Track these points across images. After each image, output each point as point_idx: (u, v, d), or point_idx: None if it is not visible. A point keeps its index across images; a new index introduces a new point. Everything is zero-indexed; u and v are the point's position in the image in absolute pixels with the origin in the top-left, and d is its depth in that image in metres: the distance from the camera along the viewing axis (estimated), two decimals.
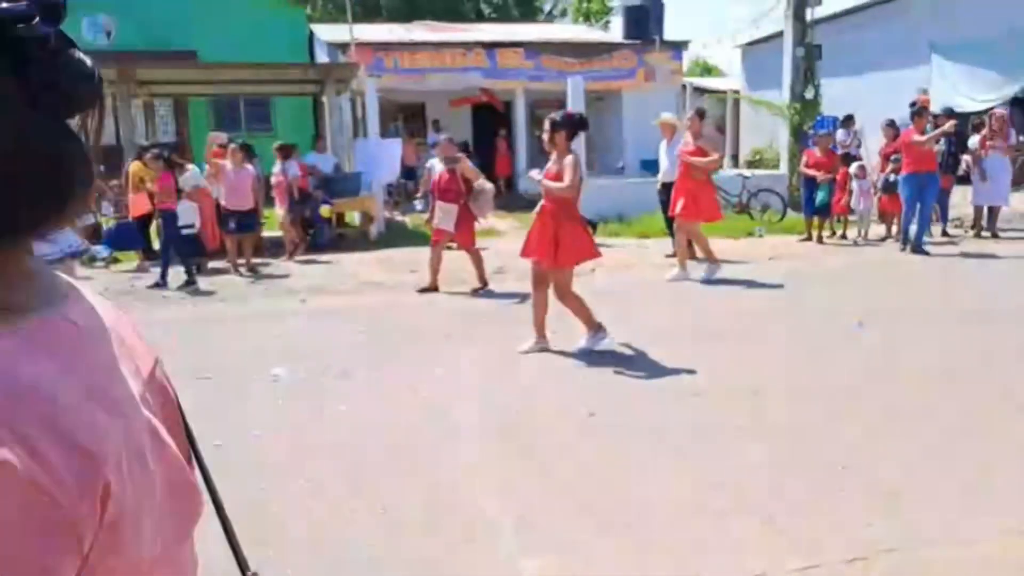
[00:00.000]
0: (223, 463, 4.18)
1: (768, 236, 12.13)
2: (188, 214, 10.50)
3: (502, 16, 31.01)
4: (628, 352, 6.13)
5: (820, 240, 11.27)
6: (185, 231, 10.58)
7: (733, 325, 6.96)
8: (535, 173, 6.18)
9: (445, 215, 8.41)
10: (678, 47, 18.38)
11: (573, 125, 5.86)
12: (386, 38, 17.55)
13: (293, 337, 7.04)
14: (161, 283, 9.34)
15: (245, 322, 7.63)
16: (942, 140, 11.07)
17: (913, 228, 10.28)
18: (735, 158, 19.11)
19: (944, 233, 11.52)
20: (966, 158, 11.47)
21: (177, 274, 9.38)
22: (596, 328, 6.01)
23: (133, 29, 19.26)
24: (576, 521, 3.52)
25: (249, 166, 10.46)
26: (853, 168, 11.10)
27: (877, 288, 8.57)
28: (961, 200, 12.06)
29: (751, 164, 19.77)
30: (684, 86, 19.92)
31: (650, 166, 16.99)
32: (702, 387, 5.19)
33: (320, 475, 4.05)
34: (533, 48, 17.21)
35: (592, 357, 5.98)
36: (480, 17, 30.11)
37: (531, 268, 6.19)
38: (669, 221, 10.21)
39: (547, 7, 36.59)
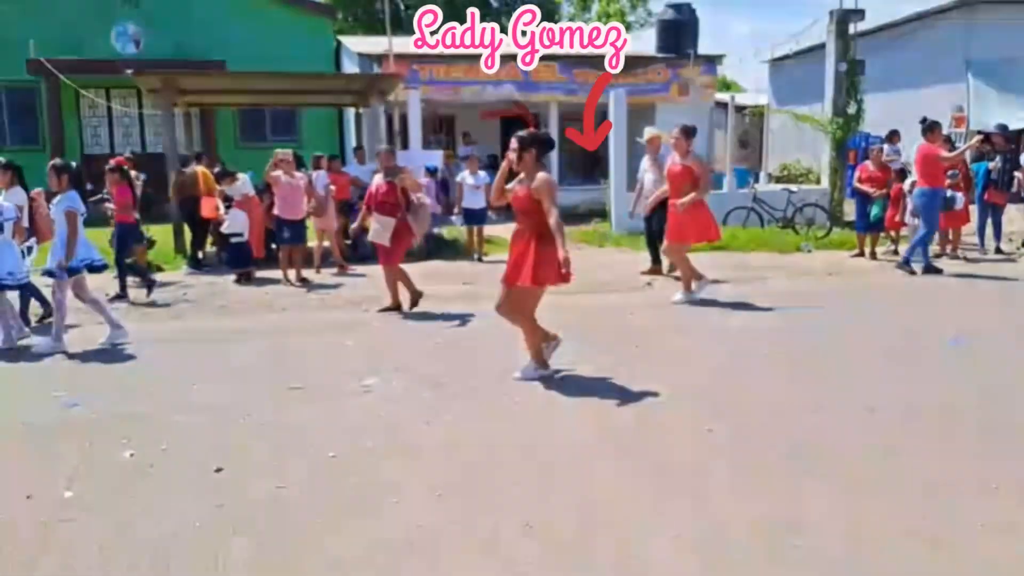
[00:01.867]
0: (342, 473, 4.10)
1: (816, 251, 12.04)
2: (237, 223, 10.42)
3: None
4: (732, 368, 6.02)
5: (874, 256, 11.15)
6: (234, 239, 10.52)
7: (824, 341, 6.84)
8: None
9: (381, 228, 8.01)
10: (712, 61, 18.36)
11: (542, 144, 5.53)
12: (420, 50, 17.50)
13: (368, 347, 6.92)
14: (122, 295, 9.16)
15: (316, 333, 7.50)
16: (997, 158, 11.00)
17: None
18: (766, 174, 18.95)
19: (998, 250, 11.43)
20: (1018, 175, 11.38)
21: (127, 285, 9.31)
22: (542, 364, 5.74)
23: (161, 39, 19.28)
24: (750, 540, 3.39)
25: (300, 176, 10.38)
26: (907, 183, 11.00)
27: (950, 304, 8.47)
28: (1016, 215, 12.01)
29: (779, 179, 19.71)
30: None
31: None
32: (821, 403, 5.07)
33: (448, 488, 3.92)
34: (567, 61, 17.17)
35: (700, 367, 5.88)
36: (502, 31, 30.10)
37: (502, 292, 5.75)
38: (650, 237, 10.13)
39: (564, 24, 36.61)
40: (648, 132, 10.14)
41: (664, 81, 17.71)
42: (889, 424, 4.74)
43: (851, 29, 13.96)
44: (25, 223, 7.84)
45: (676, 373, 5.89)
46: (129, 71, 11.88)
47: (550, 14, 35.46)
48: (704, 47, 18.42)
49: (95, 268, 7.28)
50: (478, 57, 16.73)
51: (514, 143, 5.50)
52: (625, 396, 5.32)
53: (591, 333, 7.18)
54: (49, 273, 6.97)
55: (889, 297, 8.92)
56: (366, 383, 5.69)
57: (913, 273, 9.73)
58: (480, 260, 11.78)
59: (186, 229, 12.12)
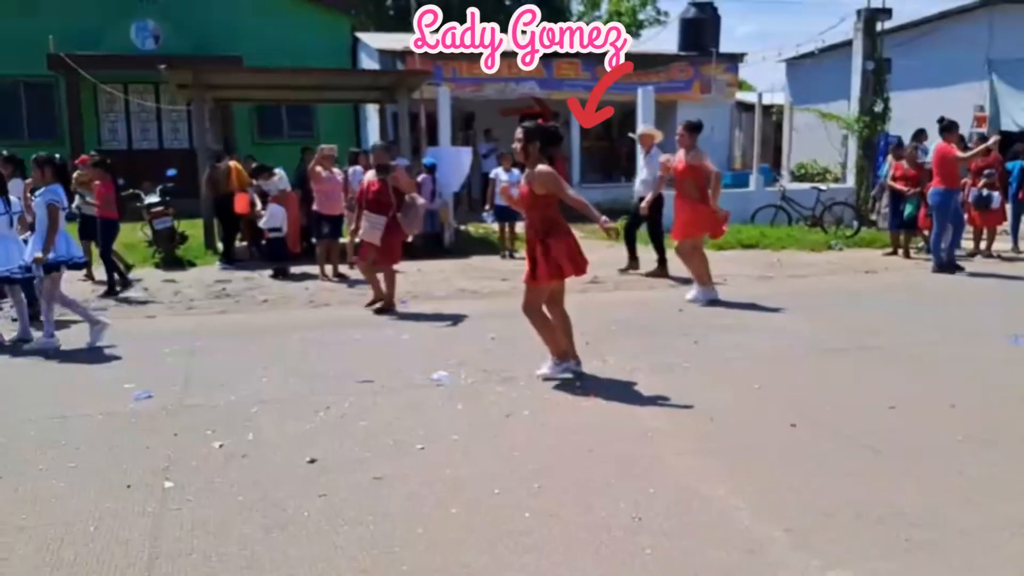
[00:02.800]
0: (434, 465, 4.12)
1: (847, 250, 12.08)
2: (276, 218, 10.44)
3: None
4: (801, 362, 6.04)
5: (907, 255, 11.18)
6: (272, 234, 10.53)
7: (880, 338, 6.86)
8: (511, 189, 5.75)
9: (371, 227, 7.92)
10: (734, 60, 18.38)
11: (547, 136, 5.41)
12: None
13: (425, 341, 6.94)
14: (114, 290, 9.19)
15: (370, 326, 7.52)
16: None
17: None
18: (790, 173, 18.95)
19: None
20: None
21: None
22: (563, 356, 5.61)
23: (180, 35, 19.28)
24: (853, 534, 3.41)
25: (338, 172, 10.39)
26: None
27: (995, 303, 8.50)
28: None
29: (796, 178, 19.73)
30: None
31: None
32: (896, 398, 5.10)
33: (545, 481, 3.93)
34: (590, 59, 17.18)
35: (763, 362, 5.90)
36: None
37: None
38: (632, 233, 10.07)
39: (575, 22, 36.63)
40: (641, 129, 9.97)
41: (686, 79, 17.73)
42: (971, 418, 4.76)
43: (878, 27, 13.95)
44: (28, 217, 7.65)
45: (740, 367, 5.93)
46: (162, 66, 11.87)
47: (560, 12, 35.48)
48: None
49: (75, 265, 7.11)
50: (501, 55, 16.72)
51: (519, 133, 5.41)
52: (694, 390, 5.35)
53: (646, 329, 7.22)
54: (26, 268, 6.78)
55: (931, 295, 8.94)
56: (435, 377, 5.71)
57: (956, 271, 9.78)
58: (511, 256, 11.76)
59: (217, 224, 12.16)
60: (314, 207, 10.24)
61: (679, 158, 8.36)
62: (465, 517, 3.59)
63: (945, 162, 9.76)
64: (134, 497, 3.83)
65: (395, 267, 8.31)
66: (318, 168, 9.94)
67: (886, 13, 13.89)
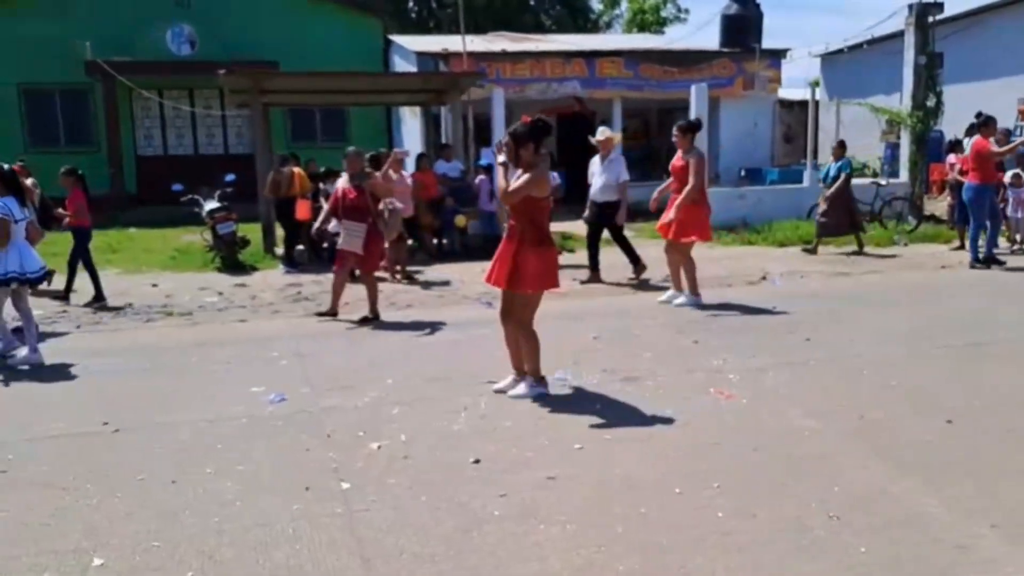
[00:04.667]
0: (600, 464, 4.11)
1: (910, 245, 12.05)
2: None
3: (562, 27, 31.07)
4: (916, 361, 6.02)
5: None
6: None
7: (994, 335, 6.83)
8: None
9: (351, 235, 7.72)
10: (776, 56, 18.35)
11: (538, 134, 5.03)
12: (486, 47, 17.51)
13: None
14: (102, 296, 9.01)
15: (463, 326, 7.52)
16: None
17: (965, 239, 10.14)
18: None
19: None
20: None
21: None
22: (539, 378, 5.32)
23: (215, 40, 19.34)
24: None
25: (407, 174, 10.41)
26: (1008, 176, 10.97)
27: None
28: None
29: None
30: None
31: (754, 175, 16.95)
32: None
33: (723, 481, 3.92)
34: (633, 57, 17.18)
35: (889, 357, 5.89)
36: (540, 28, 30.17)
37: (501, 297, 5.42)
38: (595, 239, 9.73)
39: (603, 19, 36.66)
40: (601, 133, 9.73)
41: (729, 75, 17.71)
42: None
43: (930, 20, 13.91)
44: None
45: (862, 363, 5.91)
46: (221, 71, 11.90)
47: (581, 12, 35.56)
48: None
49: (27, 280, 6.59)
50: (544, 54, 16.77)
51: (505, 139, 5.15)
52: (826, 387, 5.34)
53: (750, 326, 7.22)
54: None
55: (1015, 292, 8.91)
56: (558, 376, 5.70)
57: (996, 266, 9.82)
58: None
59: (278, 228, 12.19)
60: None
61: (678, 157, 8.16)
62: (657, 516, 3.59)
63: (981, 157, 9.80)
64: (316, 498, 3.84)
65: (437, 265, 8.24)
66: (390, 171, 9.94)
67: (938, 7, 13.83)
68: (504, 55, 16.81)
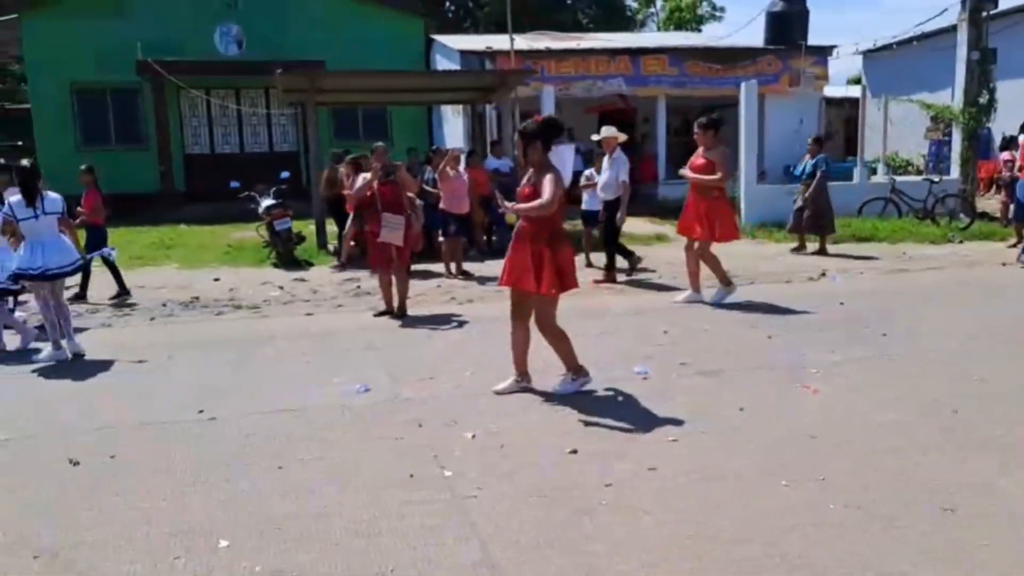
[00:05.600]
0: (699, 456, 4.15)
1: (965, 243, 11.93)
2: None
3: (599, 26, 31.04)
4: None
5: None
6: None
7: None
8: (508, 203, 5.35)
9: (391, 228, 7.71)
10: (823, 52, 18.22)
11: (548, 132, 5.05)
12: (530, 46, 17.56)
13: (600, 337, 6.96)
14: (126, 291, 9.06)
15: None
16: None
17: None
18: (885, 166, 18.72)
19: None
20: None
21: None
22: (577, 370, 5.29)
23: (261, 41, 19.58)
24: None
25: (463, 172, 10.50)
26: None
27: None
28: None
29: (873, 171, 19.54)
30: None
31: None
32: None
33: (827, 474, 3.95)
34: (678, 54, 17.14)
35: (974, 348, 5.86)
36: (578, 27, 30.17)
37: (510, 297, 5.34)
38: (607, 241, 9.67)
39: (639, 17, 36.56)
40: (604, 132, 9.69)
41: (774, 72, 17.61)
42: None
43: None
44: None
45: (942, 357, 5.89)
46: (279, 71, 12.07)
47: (617, 10, 35.49)
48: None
49: (47, 276, 6.64)
50: (589, 52, 16.79)
51: (516, 137, 5.11)
52: (909, 381, 5.33)
53: (820, 321, 7.20)
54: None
55: None
56: (636, 370, 5.75)
57: None
58: (589, 265, 10.62)
59: (330, 224, 12.35)
60: (441, 205, 10.36)
61: (698, 155, 8.03)
62: (768, 508, 3.60)
63: None
64: (420, 485, 3.92)
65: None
66: (447, 168, 10.06)
67: (992, 2, 13.66)
68: (549, 53, 16.85)
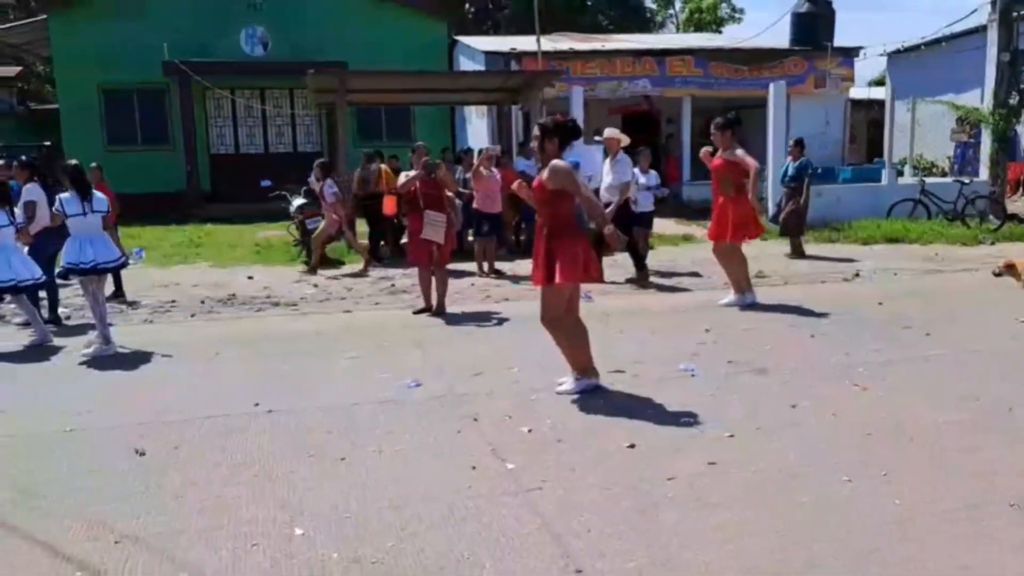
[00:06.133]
0: (756, 453, 4.17)
1: (997, 244, 11.88)
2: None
3: (620, 28, 31.05)
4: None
5: None
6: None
7: None
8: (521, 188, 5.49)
9: (433, 225, 7.77)
10: (849, 53, 18.18)
11: (566, 131, 5.11)
12: (555, 47, 17.61)
13: (638, 334, 6.99)
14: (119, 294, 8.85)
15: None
16: None
17: None
18: (912, 167, 18.68)
19: None
20: None
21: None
22: (583, 371, 5.24)
23: (285, 41, 19.71)
24: None
25: (496, 171, 10.55)
26: None
27: None
28: None
29: (899, 173, 19.47)
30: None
31: (828, 174, 16.80)
32: None
33: (890, 469, 3.97)
34: (703, 56, 17.15)
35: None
36: (599, 29, 30.20)
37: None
38: (600, 241, 9.61)
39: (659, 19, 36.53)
40: (607, 132, 9.59)
41: (800, 73, 17.58)
42: None
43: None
44: (46, 221, 7.57)
45: (990, 357, 5.88)
46: (310, 71, 12.17)
47: (636, 11, 35.48)
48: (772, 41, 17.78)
49: (84, 272, 6.78)
50: (614, 53, 16.81)
51: (536, 131, 5.22)
52: (955, 380, 5.33)
53: (864, 321, 7.20)
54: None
55: None
56: (683, 367, 5.78)
57: None
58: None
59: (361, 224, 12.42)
60: (474, 205, 10.41)
61: (718, 155, 7.98)
62: (832, 503, 3.62)
63: None
64: (484, 476, 3.97)
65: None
66: (481, 168, 10.12)
67: (1022, 3, 13.60)
68: (574, 54, 16.90)
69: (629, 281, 9.59)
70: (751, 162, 7.70)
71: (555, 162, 5.05)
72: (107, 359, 6.54)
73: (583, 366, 5.26)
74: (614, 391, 5.30)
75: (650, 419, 4.75)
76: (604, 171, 9.56)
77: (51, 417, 5.02)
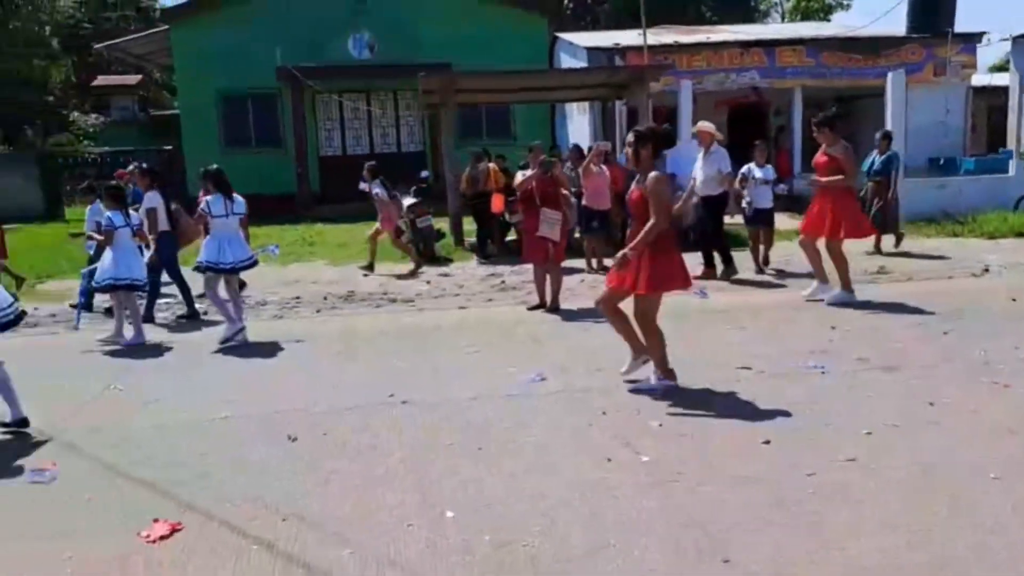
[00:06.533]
0: (899, 451, 4.08)
1: None
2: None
3: (723, 19, 30.51)
4: None
5: None
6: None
7: None
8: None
9: (549, 223, 7.82)
10: (971, 39, 17.35)
11: (660, 139, 5.17)
12: (659, 41, 17.47)
13: (761, 331, 6.90)
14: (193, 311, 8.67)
15: (684, 317, 7.57)
16: None
17: None
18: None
19: None
20: None
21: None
22: (667, 372, 5.28)
23: (391, 43, 20.18)
24: None
25: (605, 168, 10.57)
26: None
27: None
28: None
29: None
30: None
31: (950, 165, 16.12)
32: None
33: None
34: (815, 45, 16.68)
35: None
36: (702, 21, 29.75)
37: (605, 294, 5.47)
38: (703, 235, 9.60)
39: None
40: (699, 126, 9.35)
41: (918, 61, 16.89)
42: None
43: None
44: (164, 225, 8.31)
45: None
46: (421, 74, 12.47)
47: (739, 1, 34.73)
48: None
49: (224, 270, 7.27)
50: (722, 45, 16.55)
51: (630, 138, 5.18)
52: None
53: (1000, 318, 6.92)
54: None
55: None
56: (812, 364, 5.70)
57: None
58: (766, 265, 9.99)
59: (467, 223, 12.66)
60: (584, 202, 10.46)
61: (822, 152, 7.76)
62: (980, 500, 3.55)
63: None
64: (622, 469, 4.03)
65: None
66: (591, 165, 10.16)
67: None
68: (680, 47, 16.72)
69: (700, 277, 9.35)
70: (845, 171, 7.55)
71: (654, 174, 5.05)
72: (245, 351, 6.91)
73: (663, 365, 5.31)
74: (741, 387, 5.27)
75: (782, 415, 4.72)
76: (697, 166, 9.49)
77: (203, 406, 5.37)
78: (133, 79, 32.12)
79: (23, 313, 5.27)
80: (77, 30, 38.08)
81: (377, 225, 11.33)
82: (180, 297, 8.62)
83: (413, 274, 10.78)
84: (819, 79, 16.73)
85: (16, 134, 33.87)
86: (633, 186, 5.21)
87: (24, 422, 4.94)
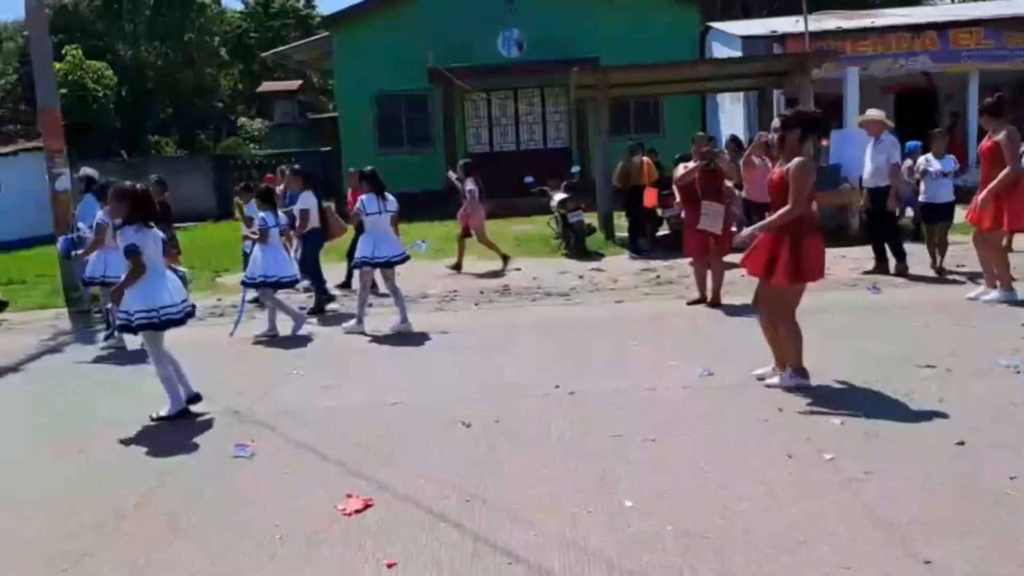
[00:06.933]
0: None
1: None
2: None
3: (889, 2, 28.78)
4: None
5: None
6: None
7: None
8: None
9: (712, 216, 7.68)
10: None
11: (808, 124, 4.88)
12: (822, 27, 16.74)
13: (941, 327, 6.51)
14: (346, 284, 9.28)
15: (854, 311, 7.27)
16: None
17: None
18: None
19: None
20: None
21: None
22: (800, 369, 5.06)
23: (538, 40, 20.31)
24: None
25: (768, 160, 10.24)
26: None
27: None
28: None
29: None
30: None
31: None
32: None
33: None
34: (995, 25, 15.50)
35: None
36: (865, 4, 28.19)
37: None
38: (873, 227, 9.11)
39: None
40: (868, 114, 8.87)
41: None
42: None
43: None
44: (315, 223, 8.82)
45: None
46: (574, 69, 12.52)
47: None
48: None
49: (379, 264, 7.65)
50: (889, 29, 15.66)
51: (776, 123, 4.95)
52: None
53: None
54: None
55: None
56: (1004, 362, 5.32)
57: None
58: (941, 271, 9.02)
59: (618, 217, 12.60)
60: (743, 195, 10.19)
61: (986, 138, 7.24)
62: None
63: None
64: (804, 466, 3.91)
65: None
66: (752, 156, 9.85)
67: None
68: (843, 32, 15.94)
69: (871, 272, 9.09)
70: (1008, 161, 7.01)
71: (798, 160, 4.82)
72: (410, 341, 7.19)
73: (798, 362, 5.10)
74: (926, 386, 4.99)
75: (973, 415, 4.43)
76: (867, 156, 9.07)
77: (377, 390, 5.63)
78: (294, 84, 33.95)
79: (193, 308, 5.61)
80: (243, 39, 40.77)
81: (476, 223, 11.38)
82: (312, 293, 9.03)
83: (503, 271, 10.89)
84: (999, 62, 15.51)
85: (191, 139, 36.74)
86: (776, 168, 5.05)
87: (197, 397, 5.36)
